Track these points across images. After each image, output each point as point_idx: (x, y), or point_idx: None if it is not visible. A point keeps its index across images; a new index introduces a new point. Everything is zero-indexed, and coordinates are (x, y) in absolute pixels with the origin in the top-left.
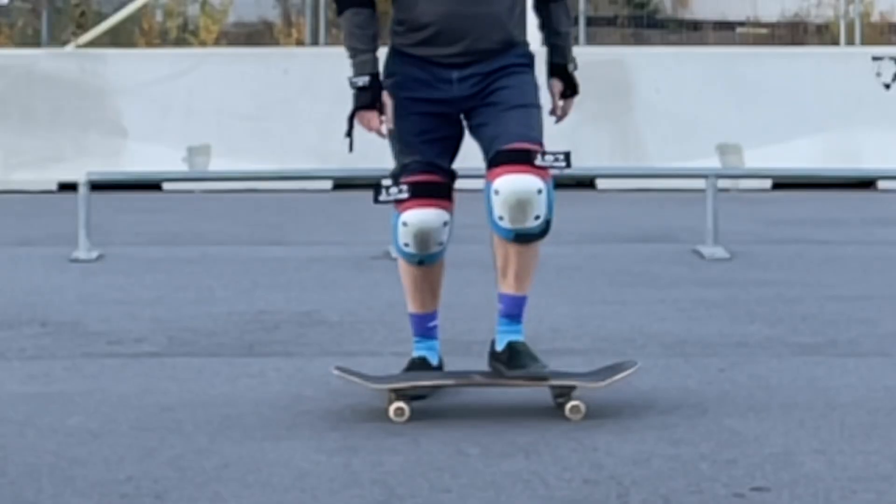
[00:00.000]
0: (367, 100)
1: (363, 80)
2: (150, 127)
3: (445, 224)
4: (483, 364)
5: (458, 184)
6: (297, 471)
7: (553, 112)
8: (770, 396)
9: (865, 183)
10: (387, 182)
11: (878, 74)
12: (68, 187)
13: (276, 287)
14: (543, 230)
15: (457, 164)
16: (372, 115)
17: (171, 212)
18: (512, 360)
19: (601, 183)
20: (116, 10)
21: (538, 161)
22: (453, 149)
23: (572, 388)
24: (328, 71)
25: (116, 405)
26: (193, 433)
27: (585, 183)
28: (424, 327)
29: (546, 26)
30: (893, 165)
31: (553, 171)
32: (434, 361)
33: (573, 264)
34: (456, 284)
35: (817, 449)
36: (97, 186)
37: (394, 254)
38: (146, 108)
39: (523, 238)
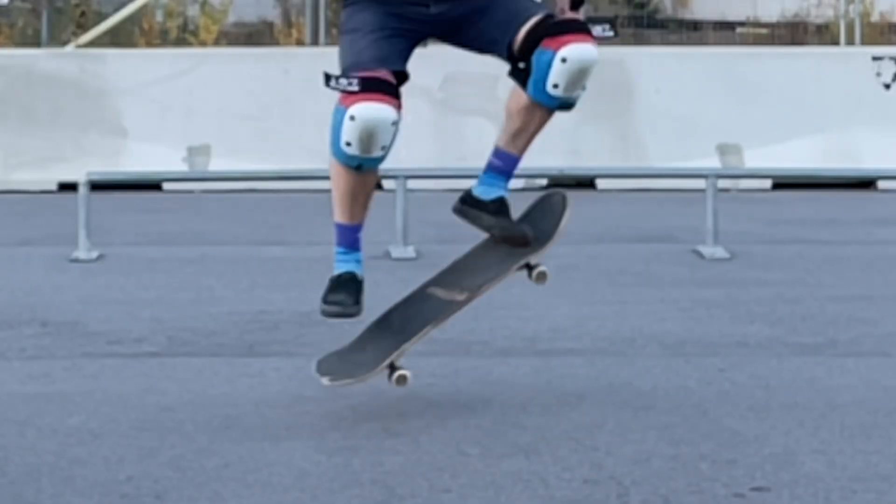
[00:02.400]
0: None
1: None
2: (150, 127)
3: (393, 124)
4: (481, 361)
5: (459, 184)
6: (297, 471)
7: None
8: (770, 396)
9: (865, 183)
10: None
11: (878, 74)
12: (68, 187)
13: (276, 287)
14: (576, 100)
15: (455, 164)
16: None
17: (171, 212)
18: (499, 212)
19: (601, 183)
20: (116, 10)
21: (594, 32)
22: (406, 57)
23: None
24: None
25: (116, 405)
26: (193, 433)
27: (585, 183)
28: (352, 238)
29: None
30: (893, 165)
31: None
32: (360, 273)
33: (573, 264)
34: None
35: (817, 449)
36: (97, 186)
37: (331, 157)
38: (146, 108)
39: (565, 106)
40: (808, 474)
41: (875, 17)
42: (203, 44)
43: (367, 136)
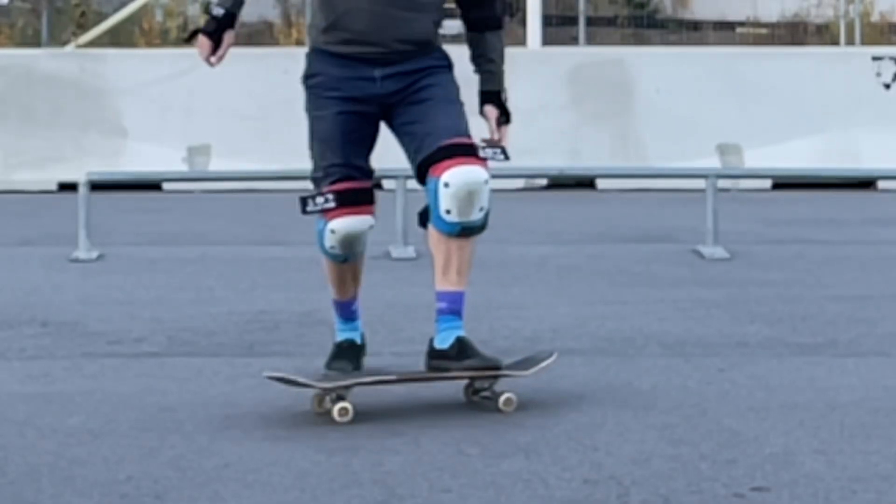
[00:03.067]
0: (211, 28)
1: (218, 11)
2: (150, 127)
3: (371, 227)
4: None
5: None
6: (297, 471)
7: (491, 141)
8: (770, 396)
9: (865, 183)
10: (310, 193)
11: (878, 74)
12: (68, 187)
13: (276, 287)
14: (484, 223)
15: None
16: (207, 45)
17: (171, 212)
18: (462, 353)
19: (601, 183)
20: (116, 10)
21: (481, 154)
22: (370, 147)
23: (494, 381)
24: None
25: (116, 405)
26: (193, 433)
27: (585, 183)
28: (349, 311)
29: (479, 54)
30: (893, 165)
31: (492, 164)
32: (359, 341)
33: (573, 264)
34: None
35: (817, 449)
36: (97, 186)
37: (323, 250)
38: (146, 108)
39: (468, 231)
40: (808, 474)
41: (875, 17)
42: None
43: (348, 242)
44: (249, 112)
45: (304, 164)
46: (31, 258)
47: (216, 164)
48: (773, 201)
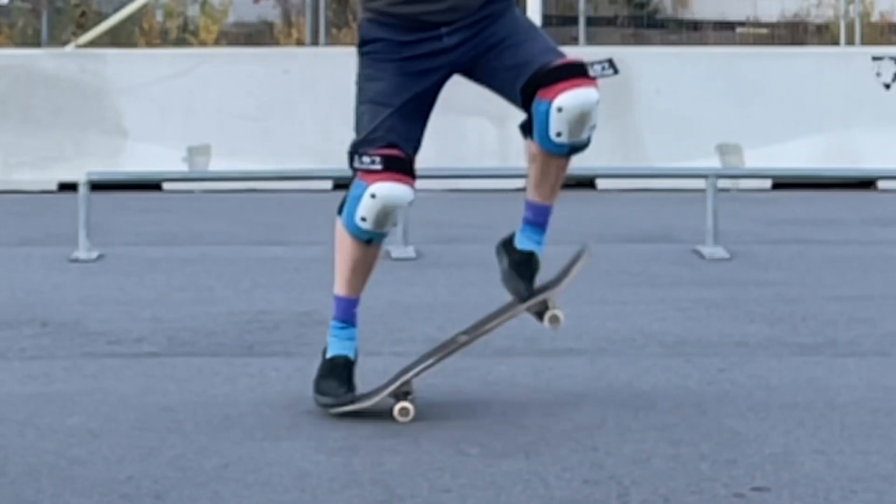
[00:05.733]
0: None
1: None
2: (150, 127)
3: (410, 203)
4: (481, 361)
5: (459, 184)
6: (297, 471)
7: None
8: (770, 396)
9: (865, 183)
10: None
11: (878, 74)
12: (68, 187)
13: (276, 287)
14: (589, 140)
15: (455, 164)
16: None
17: (171, 212)
18: (522, 267)
19: (601, 183)
20: (116, 10)
21: (591, 72)
22: (425, 121)
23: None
24: (328, 71)
25: (116, 405)
26: (193, 433)
27: (585, 183)
28: (350, 312)
29: None
30: (893, 165)
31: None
32: (352, 356)
33: None
34: (456, 284)
35: (817, 449)
36: (97, 186)
37: (340, 228)
38: (146, 108)
39: (575, 150)
40: (808, 474)
41: (875, 17)
42: (203, 44)
43: (384, 214)
44: (249, 112)
45: (304, 164)
46: (31, 258)
47: (216, 164)
48: (773, 201)
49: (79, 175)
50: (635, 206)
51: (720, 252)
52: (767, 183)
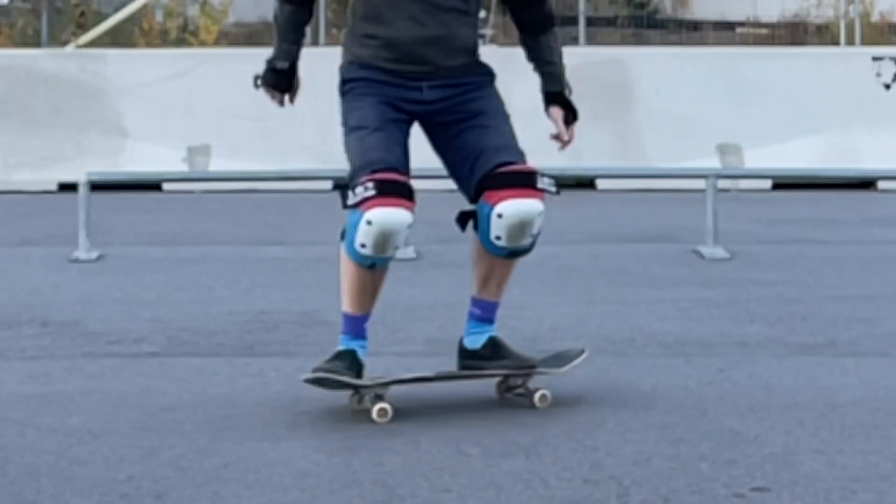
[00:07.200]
0: (280, 82)
1: (282, 65)
2: (150, 127)
3: (409, 227)
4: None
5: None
6: (297, 471)
7: (558, 138)
8: (770, 396)
9: (865, 183)
10: (350, 183)
11: (878, 74)
12: (68, 187)
13: (276, 287)
14: (532, 246)
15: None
16: (280, 95)
17: (171, 212)
18: (496, 353)
19: (601, 183)
20: (116, 10)
21: (540, 184)
22: (407, 151)
23: (528, 378)
24: (328, 71)
25: (116, 405)
26: (193, 433)
27: (585, 183)
28: (360, 328)
29: (536, 57)
30: (893, 165)
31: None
32: (361, 356)
33: (573, 264)
34: (456, 284)
35: (817, 449)
36: (97, 186)
37: (343, 255)
38: (146, 108)
39: (515, 254)
40: (808, 474)
41: (875, 17)
42: (203, 44)
43: (383, 239)
44: (249, 112)
45: (304, 164)
46: (31, 258)
47: (216, 164)
48: (773, 201)
49: (79, 175)
50: (635, 206)
51: (720, 252)
52: (767, 183)
